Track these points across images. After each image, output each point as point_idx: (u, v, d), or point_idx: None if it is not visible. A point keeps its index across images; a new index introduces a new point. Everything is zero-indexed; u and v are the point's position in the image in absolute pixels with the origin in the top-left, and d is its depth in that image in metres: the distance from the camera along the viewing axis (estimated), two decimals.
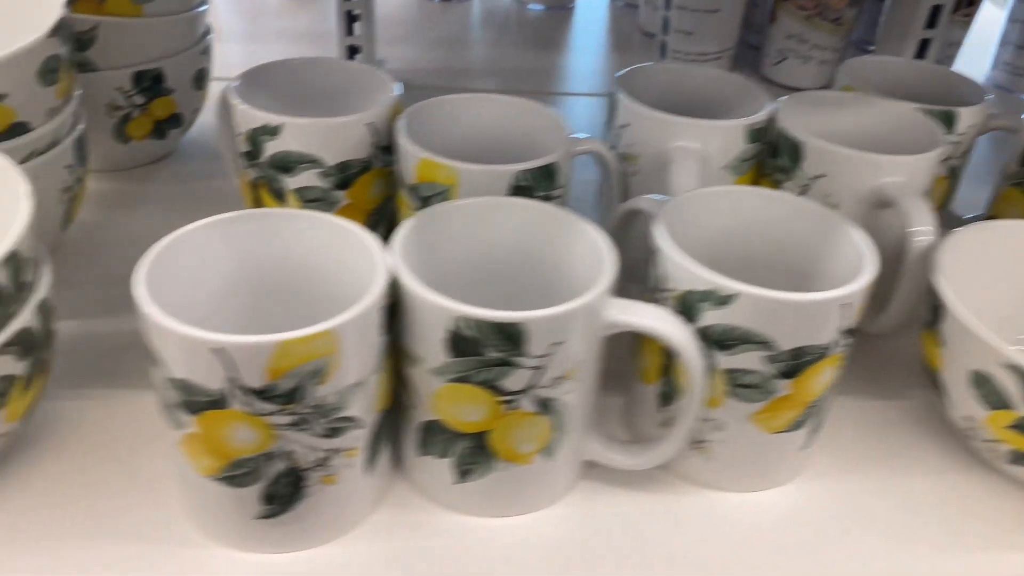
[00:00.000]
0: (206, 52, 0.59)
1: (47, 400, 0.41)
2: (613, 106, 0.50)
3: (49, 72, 0.43)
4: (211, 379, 0.30)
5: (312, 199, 0.46)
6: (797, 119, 0.48)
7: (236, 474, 0.33)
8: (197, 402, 0.31)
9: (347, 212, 0.46)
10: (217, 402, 0.31)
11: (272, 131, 0.44)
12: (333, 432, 0.33)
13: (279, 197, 0.46)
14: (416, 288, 0.32)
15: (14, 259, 0.33)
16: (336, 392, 0.32)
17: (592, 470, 0.39)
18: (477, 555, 0.36)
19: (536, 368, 0.33)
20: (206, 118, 0.63)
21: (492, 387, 0.33)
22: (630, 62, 0.53)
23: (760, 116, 0.48)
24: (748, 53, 0.86)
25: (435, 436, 0.36)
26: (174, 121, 0.59)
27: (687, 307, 0.35)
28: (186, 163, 0.63)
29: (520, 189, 0.42)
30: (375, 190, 0.47)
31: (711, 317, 0.35)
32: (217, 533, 0.35)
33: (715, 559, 0.36)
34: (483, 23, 0.96)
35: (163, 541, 0.35)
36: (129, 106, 0.55)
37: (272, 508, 0.34)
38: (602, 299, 0.33)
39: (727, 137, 0.47)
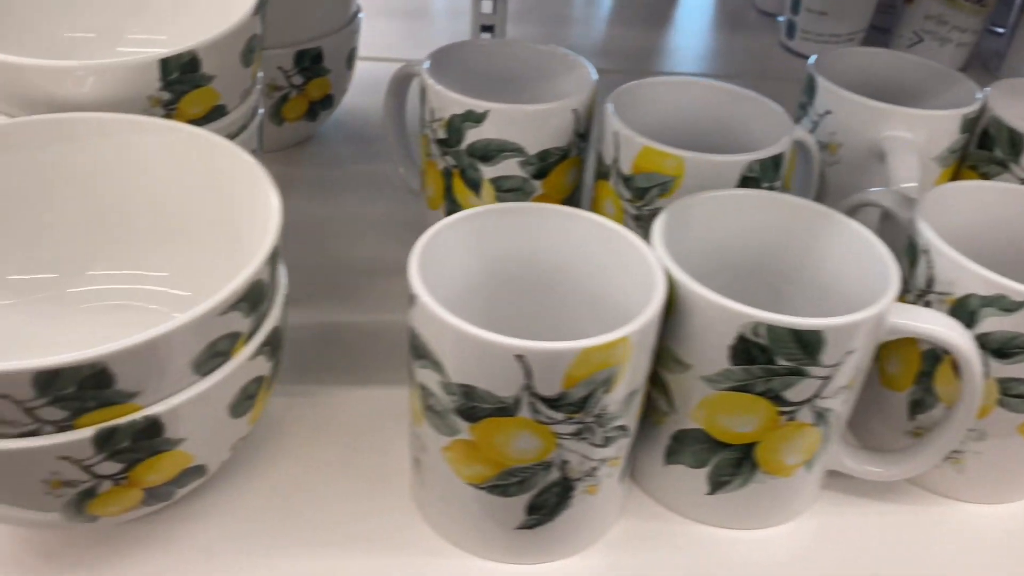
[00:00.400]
0: (357, 31, 0.57)
1: None
2: (810, 91, 0.48)
3: (249, 52, 0.41)
4: (505, 386, 0.28)
5: (508, 189, 0.44)
6: (1012, 108, 0.45)
7: (506, 483, 0.31)
8: (481, 409, 0.29)
9: (539, 202, 0.44)
10: (504, 409, 0.29)
11: (477, 118, 0.42)
12: (607, 441, 0.31)
13: (473, 187, 0.44)
14: (700, 291, 0.30)
15: (274, 255, 0.31)
16: (618, 401, 0.30)
17: (830, 479, 0.37)
18: (726, 568, 0.34)
19: (824, 378, 0.31)
20: (347, 99, 0.62)
21: (775, 397, 0.31)
22: (746, 42, 0.51)
23: (975, 106, 0.45)
24: (875, 36, 0.83)
25: (690, 445, 0.34)
26: (327, 102, 0.56)
27: (965, 312, 0.33)
28: (328, 146, 0.61)
29: (747, 180, 0.39)
30: (569, 179, 0.45)
31: (992, 324, 0.33)
32: (468, 542, 0.33)
33: (968, 572, 0.35)
34: (586, 1, 0.93)
35: (404, 549, 0.34)
36: (288, 86, 0.53)
37: (535, 518, 0.32)
38: (891, 304, 0.31)
39: (941, 127, 0.45)
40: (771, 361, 0.30)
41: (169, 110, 0.38)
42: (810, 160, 0.46)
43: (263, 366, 0.32)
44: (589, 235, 0.34)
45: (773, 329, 0.30)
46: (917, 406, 0.36)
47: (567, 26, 0.86)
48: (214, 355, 0.28)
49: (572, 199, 0.46)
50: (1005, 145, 0.45)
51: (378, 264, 0.49)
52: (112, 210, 0.38)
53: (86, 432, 0.26)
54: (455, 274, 0.34)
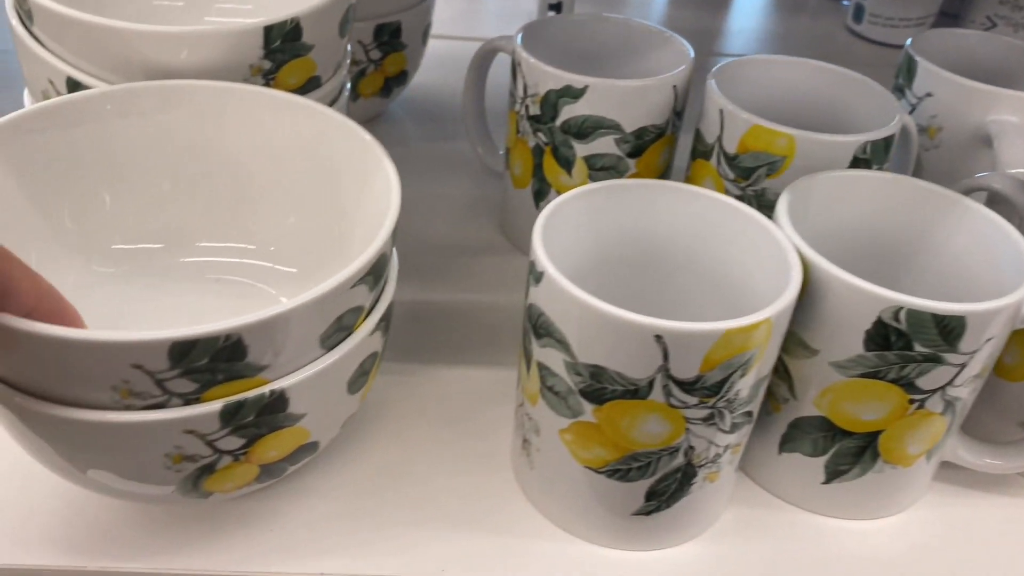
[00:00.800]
0: (432, 6, 0.56)
1: None
2: (909, 73, 0.46)
3: (346, 23, 0.40)
4: (639, 368, 0.27)
5: (601, 167, 0.43)
6: None
7: (628, 468, 0.30)
8: (608, 391, 0.28)
9: None
10: (635, 392, 0.28)
11: (575, 94, 0.41)
12: (734, 427, 0.30)
13: (565, 165, 0.43)
14: (838, 273, 0.29)
15: (395, 231, 0.30)
16: (749, 386, 0.29)
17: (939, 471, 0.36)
18: (835, 559, 0.33)
19: (960, 365, 0.30)
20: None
21: (907, 385, 0.30)
22: (809, 25, 0.49)
23: None
24: (944, 22, 0.81)
25: (809, 434, 0.33)
26: (401, 78, 0.55)
27: None
28: (396, 124, 0.60)
29: (858, 162, 0.38)
30: (662, 159, 0.44)
31: None
32: (578, 526, 0.33)
33: None
34: None
35: (510, 531, 0.33)
36: (366, 61, 0.52)
37: (652, 505, 0.31)
38: None
39: None
40: (908, 347, 0.29)
41: (268, 79, 0.37)
42: (909, 144, 0.45)
43: (378, 341, 0.31)
44: (712, 213, 0.33)
45: (914, 314, 0.28)
46: None
47: (626, 7, 0.84)
48: (340, 329, 0.28)
49: (664, 178, 0.45)
50: None
51: (457, 243, 0.48)
52: (224, 182, 0.37)
53: (214, 405, 0.25)
54: (571, 252, 0.33)
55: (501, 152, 0.52)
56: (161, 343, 0.24)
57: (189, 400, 0.25)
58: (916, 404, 0.31)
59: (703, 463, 0.30)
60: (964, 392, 0.31)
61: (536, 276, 0.29)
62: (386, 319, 0.31)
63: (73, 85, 0.36)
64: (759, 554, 0.33)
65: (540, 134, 0.43)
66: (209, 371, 0.25)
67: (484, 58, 0.49)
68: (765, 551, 0.33)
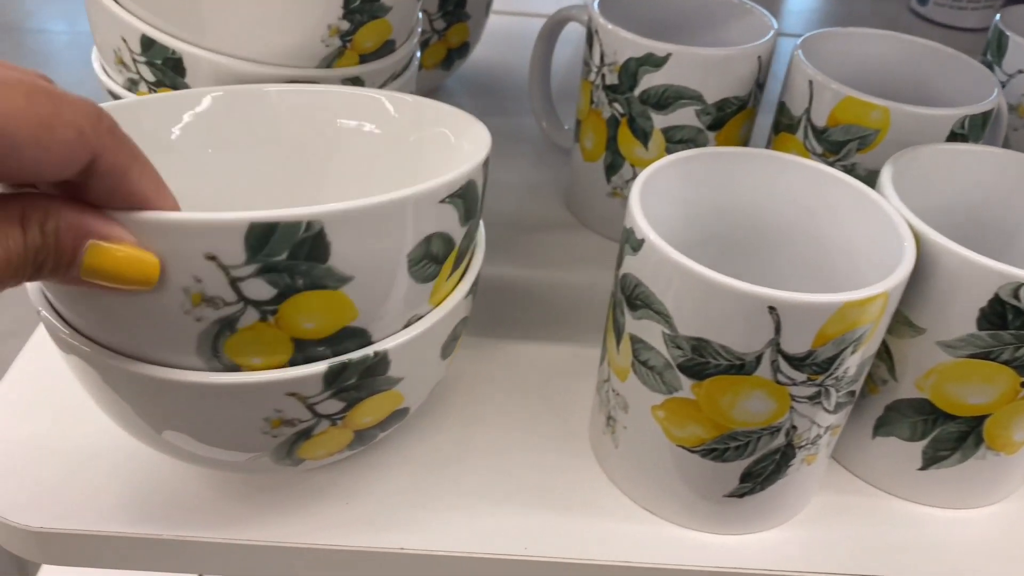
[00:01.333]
0: None
1: None
2: (998, 49, 0.45)
3: None
4: (748, 341, 0.26)
5: (680, 140, 0.41)
6: None
7: (725, 447, 0.29)
8: (711, 365, 0.27)
9: None
10: (740, 367, 0.27)
11: (656, 62, 0.39)
12: (838, 407, 0.29)
13: (641, 137, 0.42)
14: (952, 248, 0.28)
15: (486, 168, 0.28)
16: (858, 363, 0.28)
17: None
18: (927, 547, 0.32)
19: None
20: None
21: (1020, 367, 0.29)
22: (871, 6, 0.47)
23: None
24: (1013, 3, 0.78)
25: (908, 417, 0.31)
26: (463, 50, 0.54)
27: None
28: (457, 98, 0.58)
29: (955, 137, 0.37)
30: (742, 132, 0.43)
31: None
32: (665, 507, 0.31)
33: None
34: None
35: (591, 510, 0.32)
36: (430, 31, 0.51)
37: (746, 487, 0.30)
38: None
39: None
40: None
41: (345, 41, 0.36)
42: (999, 122, 0.43)
43: (469, 306, 0.30)
44: (813, 184, 0.31)
45: None
46: None
47: None
48: (428, 256, 0.26)
49: None
50: None
51: (522, 219, 0.47)
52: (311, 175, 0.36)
53: (319, 367, 0.24)
54: (662, 222, 0.31)
55: (566, 127, 0.51)
56: (238, 225, 0.22)
57: (265, 312, 0.24)
58: None
59: (803, 444, 0.29)
60: None
61: (634, 244, 0.28)
62: (476, 285, 0.30)
63: (148, 43, 0.35)
64: (849, 541, 0.32)
65: (616, 104, 0.42)
66: (288, 272, 0.23)
67: (554, 28, 0.47)
68: (855, 538, 0.32)
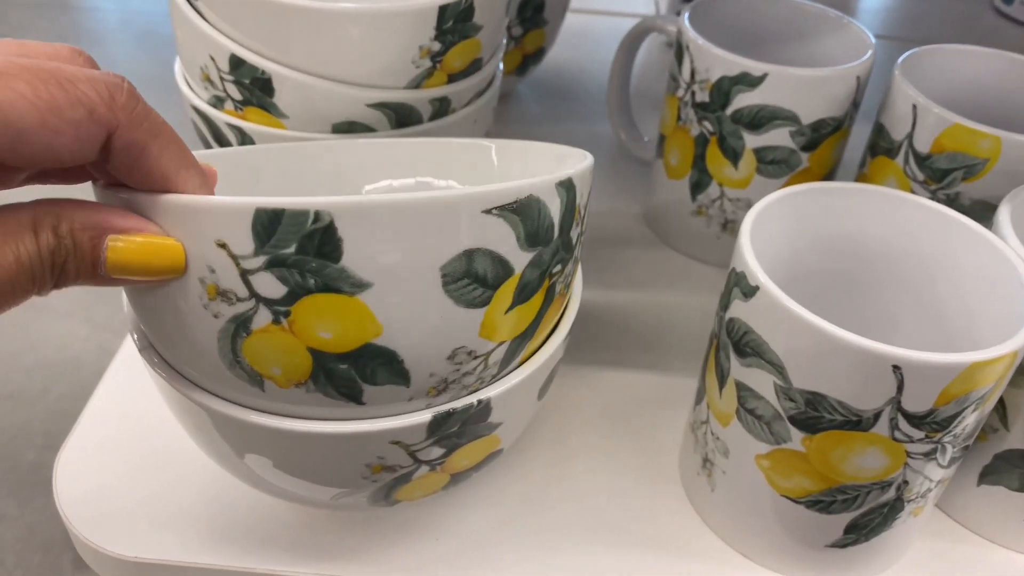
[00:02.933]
0: None
1: None
2: None
3: (510, 1, 0.37)
4: (868, 399, 0.25)
5: (772, 160, 0.40)
6: None
7: (832, 500, 0.28)
8: (826, 420, 0.26)
9: (801, 178, 0.40)
10: (857, 423, 0.26)
11: (752, 81, 0.38)
12: (952, 462, 0.27)
13: (732, 157, 0.40)
14: None
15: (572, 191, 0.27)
16: (976, 420, 0.26)
17: None
18: None
19: None
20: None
21: None
22: (951, 6, 0.45)
23: None
24: None
25: (1017, 467, 0.30)
26: (538, 55, 0.53)
27: None
28: (529, 104, 0.57)
29: None
30: (836, 153, 0.41)
31: None
32: (763, 554, 0.31)
33: None
34: None
35: (686, 555, 0.31)
36: (507, 38, 0.50)
37: (851, 538, 0.29)
38: None
39: None
40: None
41: (436, 61, 0.35)
42: None
43: (563, 350, 0.29)
44: (925, 223, 0.30)
45: None
46: None
47: None
48: (469, 275, 0.23)
49: (832, 175, 0.42)
50: None
51: (598, 233, 0.46)
52: None
53: (424, 416, 0.24)
54: (771, 259, 0.30)
55: (647, 139, 0.50)
56: (245, 209, 0.21)
57: (277, 313, 0.22)
58: None
59: (913, 498, 0.28)
60: None
61: (746, 290, 0.27)
62: (574, 326, 0.29)
63: (236, 62, 0.34)
64: None
65: (706, 123, 0.40)
66: (297, 268, 0.21)
67: (636, 38, 0.46)
68: None
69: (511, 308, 0.24)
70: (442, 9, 0.33)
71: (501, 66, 0.42)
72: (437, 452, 0.25)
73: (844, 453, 0.26)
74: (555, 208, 0.24)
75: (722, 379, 0.29)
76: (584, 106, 0.56)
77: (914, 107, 0.36)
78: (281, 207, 0.21)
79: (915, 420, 0.25)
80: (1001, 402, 0.30)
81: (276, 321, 0.22)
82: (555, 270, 0.25)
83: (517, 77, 0.53)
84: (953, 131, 0.35)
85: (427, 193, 0.22)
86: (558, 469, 0.34)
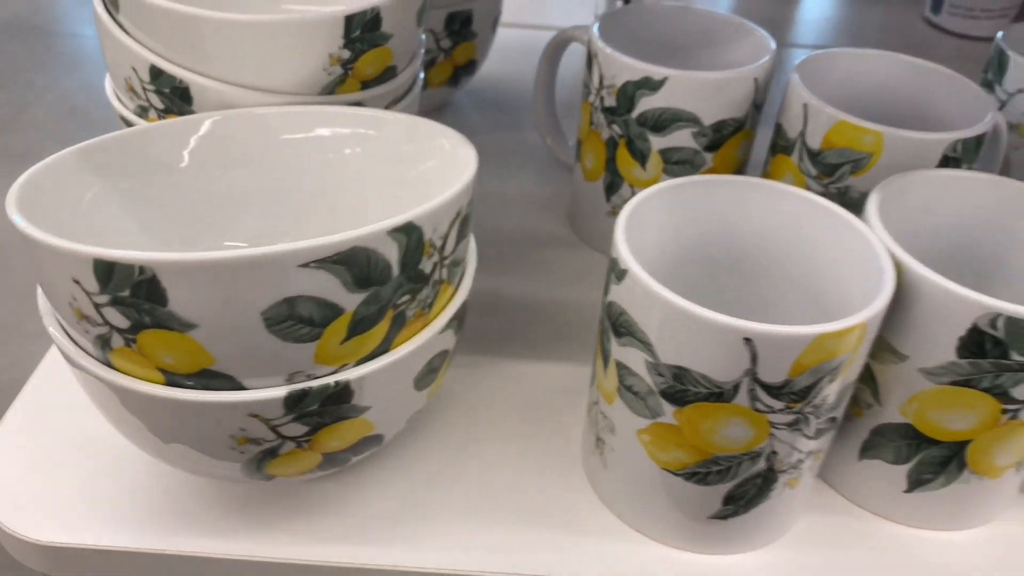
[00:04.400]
0: None
1: None
2: (999, 68, 0.45)
3: (423, 12, 0.39)
4: (726, 371, 0.27)
5: (677, 161, 0.42)
6: None
7: (707, 471, 0.29)
8: (692, 393, 0.28)
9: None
10: (719, 395, 0.27)
11: (653, 85, 0.40)
12: (818, 433, 0.29)
13: (639, 158, 0.42)
14: (932, 277, 0.28)
15: (462, 221, 0.29)
16: (836, 391, 0.28)
17: None
18: (914, 568, 0.32)
19: None
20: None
21: (1000, 394, 0.29)
22: (884, 15, 0.47)
23: None
24: None
25: (893, 441, 0.32)
26: (470, 67, 0.55)
27: None
28: (465, 114, 0.59)
29: (948, 161, 0.37)
30: (740, 153, 0.43)
31: None
32: (652, 528, 0.32)
33: None
34: None
35: (580, 529, 0.33)
36: (436, 50, 0.52)
37: (730, 509, 0.30)
38: None
39: None
40: (1004, 356, 0.28)
41: (347, 68, 0.37)
42: (998, 142, 0.43)
43: (450, 340, 0.31)
44: (799, 212, 0.32)
45: (1014, 322, 0.27)
46: None
47: None
48: (293, 318, 0.25)
49: (740, 173, 0.44)
50: None
51: (525, 235, 0.48)
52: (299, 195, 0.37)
53: (278, 391, 0.26)
54: (652, 249, 0.32)
55: (571, 144, 0.52)
56: (85, 258, 0.24)
57: (127, 339, 0.25)
58: (1009, 415, 0.30)
59: (785, 469, 0.30)
60: None
61: (618, 274, 0.29)
62: (460, 318, 0.31)
63: (156, 73, 0.36)
64: (836, 562, 0.32)
65: (615, 126, 0.42)
66: (134, 308, 0.24)
67: (557, 48, 0.48)
68: (842, 559, 0.32)
69: (347, 339, 0.26)
70: (348, 19, 0.35)
71: (422, 75, 0.44)
72: (300, 429, 0.27)
73: (712, 425, 0.28)
74: (392, 251, 0.26)
75: (606, 359, 0.31)
76: (518, 115, 0.58)
77: (805, 106, 0.38)
78: (113, 259, 0.24)
79: (773, 391, 0.27)
80: (873, 378, 0.31)
81: (128, 345, 0.25)
82: (401, 300, 0.27)
83: (451, 88, 0.55)
84: (840, 128, 0.37)
85: (243, 252, 0.24)
86: (466, 451, 0.35)
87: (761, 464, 0.29)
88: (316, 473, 0.31)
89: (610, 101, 0.42)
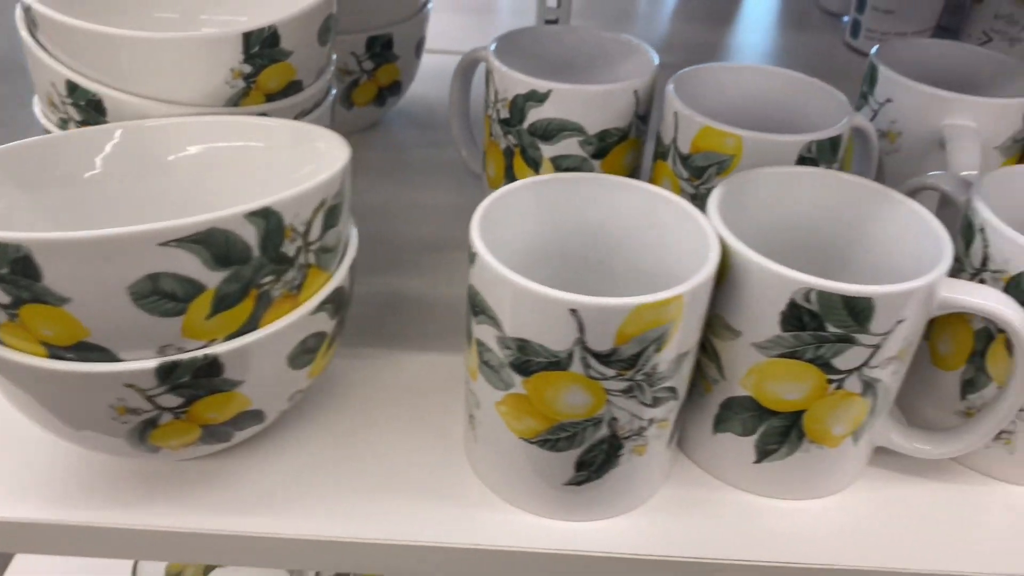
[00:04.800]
0: (426, 20, 0.59)
1: None
2: (871, 80, 0.48)
3: (326, 32, 0.43)
4: (559, 340, 0.29)
5: (567, 168, 0.45)
6: None
7: (556, 438, 0.32)
8: (534, 363, 0.30)
9: None
10: (556, 364, 0.30)
11: (539, 98, 0.43)
12: (656, 401, 0.32)
13: (533, 166, 0.46)
14: (754, 257, 0.31)
15: (329, 210, 0.32)
16: (668, 361, 0.31)
17: (875, 456, 0.38)
18: (766, 535, 0.35)
19: (874, 347, 0.31)
20: (414, 88, 0.64)
21: (824, 365, 0.32)
22: (810, 41, 0.51)
23: None
24: (942, 36, 0.82)
25: (739, 413, 0.35)
26: (394, 88, 0.59)
27: (1020, 290, 0.33)
28: (394, 132, 0.63)
29: (805, 161, 0.40)
30: (627, 160, 0.46)
31: None
32: (517, 496, 0.35)
33: (1014, 554, 0.35)
34: (649, 5, 0.94)
35: (456, 501, 0.35)
36: (359, 71, 0.55)
37: (583, 475, 0.33)
38: (941, 281, 0.32)
39: (1004, 115, 0.45)
40: (821, 328, 0.31)
41: (249, 82, 0.40)
42: (869, 147, 0.46)
43: (325, 323, 0.33)
44: (646, 205, 0.35)
45: (824, 295, 0.30)
46: (969, 385, 0.36)
47: (630, 21, 0.87)
48: (157, 293, 0.28)
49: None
50: None
51: (441, 241, 0.51)
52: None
53: (149, 363, 0.28)
54: (514, 240, 0.35)
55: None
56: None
57: (11, 314, 0.28)
58: (835, 384, 0.32)
59: (628, 435, 0.32)
60: (883, 374, 0.33)
61: (471, 258, 0.32)
62: (334, 302, 0.33)
63: (71, 87, 0.39)
64: (691, 530, 0.35)
65: (510, 136, 0.46)
66: (13, 284, 0.27)
67: (467, 67, 0.52)
68: (697, 527, 0.35)
69: (212, 315, 0.29)
70: (246, 36, 0.38)
71: (334, 91, 0.47)
72: (176, 400, 0.30)
73: (555, 392, 0.31)
74: (250, 233, 0.29)
75: (469, 338, 0.33)
76: (444, 133, 0.61)
77: (676, 115, 0.42)
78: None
79: (602, 358, 0.30)
80: (716, 354, 0.34)
81: (11, 319, 0.28)
82: (264, 280, 0.30)
83: (378, 108, 0.59)
84: (704, 133, 0.41)
85: (107, 231, 0.26)
86: (357, 435, 0.38)
87: (604, 430, 0.32)
88: (201, 447, 0.33)
89: (504, 113, 0.45)
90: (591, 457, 0.33)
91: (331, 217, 0.32)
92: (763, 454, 0.35)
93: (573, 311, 0.29)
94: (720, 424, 0.35)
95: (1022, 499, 0.37)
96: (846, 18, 0.82)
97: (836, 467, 0.36)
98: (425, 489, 0.36)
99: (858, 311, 0.30)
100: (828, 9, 0.89)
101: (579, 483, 0.33)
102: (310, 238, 0.31)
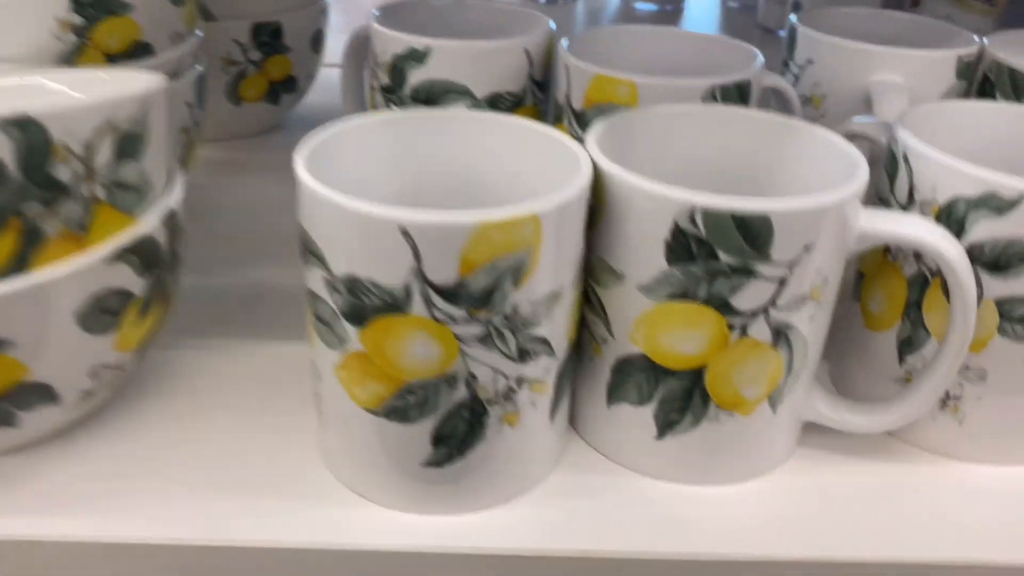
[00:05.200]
0: (323, 13, 0.55)
1: (166, 349, 0.36)
2: (791, 44, 0.44)
3: None
4: (391, 272, 0.24)
5: None
6: (1014, 54, 0.41)
7: (405, 404, 0.26)
8: (368, 306, 0.25)
9: None
10: (394, 305, 0.25)
11: (419, 57, 0.39)
12: (523, 355, 0.26)
13: None
14: (630, 179, 0.26)
15: (123, 137, 0.27)
16: (531, 301, 0.26)
17: (808, 435, 0.32)
18: (672, 525, 0.29)
19: (779, 281, 0.26)
20: (315, 97, 0.60)
21: (721, 304, 0.27)
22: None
23: (971, 47, 0.41)
24: None
25: (632, 376, 0.29)
26: (289, 84, 0.54)
27: (951, 221, 0.29)
28: (298, 135, 0.58)
29: None
30: None
31: (983, 230, 0.28)
32: (369, 487, 0.29)
33: (968, 539, 0.29)
34: (588, 23, 0.92)
35: (302, 495, 0.29)
36: (245, 62, 0.51)
37: (443, 452, 0.27)
38: (855, 202, 0.27)
39: (934, 69, 0.41)
40: (713, 256, 0.26)
41: (82, 38, 0.35)
42: (789, 110, 0.42)
43: (129, 279, 0.28)
44: (517, 139, 0.30)
45: (712, 215, 0.25)
46: (907, 345, 0.31)
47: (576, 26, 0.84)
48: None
49: None
50: (1007, 89, 0.41)
51: None
52: None
53: None
54: (370, 183, 0.30)
55: None
56: None
57: None
58: (737, 331, 0.27)
59: (493, 398, 0.27)
60: (797, 320, 0.27)
61: (300, 196, 0.26)
62: (139, 254, 0.28)
63: None
64: (582, 521, 0.29)
65: (392, 104, 0.41)
66: None
67: (358, 45, 0.47)
68: (589, 518, 0.29)
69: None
70: None
71: (200, 68, 0.43)
72: None
73: (396, 343, 0.25)
74: (4, 146, 0.24)
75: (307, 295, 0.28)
76: None
77: (567, 68, 0.37)
78: None
79: (447, 294, 0.24)
80: (603, 308, 0.29)
81: None
82: (30, 209, 0.25)
83: (271, 106, 0.54)
84: (597, 83, 0.36)
85: None
86: (201, 427, 0.32)
87: (462, 391, 0.26)
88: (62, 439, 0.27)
89: (385, 79, 0.41)
90: (451, 427, 0.27)
91: (127, 147, 0.27)
92: (665, 426, 0.29)
93: (404, 232, 0.24)
94: (614, 393, 0.30)
95: (975, 479, 0.31)
96: (783, 32, 0.80)
97: (754, 443, 0.30)
98: (264, 483, 0.30)
99: (754, 234, 0.25)
100: (766, 26, 0.87)
101: (439, 463, 0.28)
102: (94, 165, 0.26)
